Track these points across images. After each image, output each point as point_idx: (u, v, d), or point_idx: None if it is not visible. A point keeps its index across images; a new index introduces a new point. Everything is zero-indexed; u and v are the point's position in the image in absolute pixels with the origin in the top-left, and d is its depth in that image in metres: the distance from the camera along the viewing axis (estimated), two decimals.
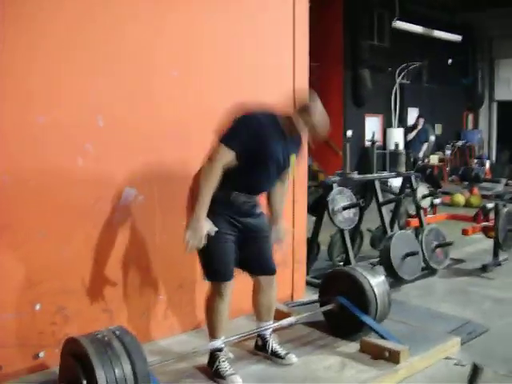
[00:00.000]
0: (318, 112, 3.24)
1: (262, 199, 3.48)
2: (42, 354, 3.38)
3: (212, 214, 3.16)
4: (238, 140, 3.13)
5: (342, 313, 3.81)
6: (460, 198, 10.74)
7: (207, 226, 3.12)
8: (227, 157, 3.11)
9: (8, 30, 3.15)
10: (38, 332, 3.38)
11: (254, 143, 3.14)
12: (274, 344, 3.57)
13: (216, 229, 3.15)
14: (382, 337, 3.66)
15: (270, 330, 3.61)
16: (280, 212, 3.58)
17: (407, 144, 12.88)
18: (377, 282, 3.88)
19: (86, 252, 3.53)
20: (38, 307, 3.36)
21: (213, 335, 3.33)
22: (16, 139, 3.22)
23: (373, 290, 3.81)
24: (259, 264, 3.46)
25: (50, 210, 3.37)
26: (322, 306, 4.01)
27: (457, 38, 14.98)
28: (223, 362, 3.29)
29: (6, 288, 3.24)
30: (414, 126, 13.00)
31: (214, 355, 3.33)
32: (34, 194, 3.30)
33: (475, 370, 1.58)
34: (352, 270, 4.01)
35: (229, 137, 3.12)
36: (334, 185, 5.37)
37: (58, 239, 3.41)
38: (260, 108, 3.27)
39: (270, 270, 3.48)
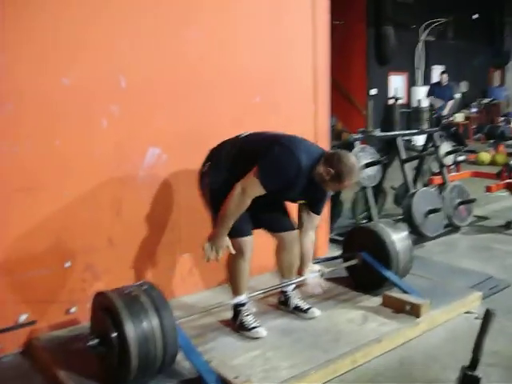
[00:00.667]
0: (348, 179, 3.17)
1: None
2: (73, 310, 3.51)
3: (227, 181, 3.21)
4: (275, 183, 3.11)
5: (365, 268, 3.87)
6: (485, 156, 10.64)
7: (227, 242, 3.22)
8: (259, 192, 3.10)
9: None
10: (68, 288, 3.49)
11: (283, 186, 3.16)
12: (296, 299, 3.65)
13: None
14: (404, 291, 3.71)
15: (293, 285, 3.68)
16: (309, 258, 3.60)
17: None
18: (399, 237, 3.92)
19: (112, 211, 3.62)
20: (67, 265, 3.47)
21: (236, 292, 3.39)
22: (40, 101, 3.27)
23: (395, 245, 3.85)
24: (279, 221, 3.50)
25: (77, 170, 3.45)
26: (345, 261, 4.07)
27: None
28: (247, 315, 3.37)
29: (37, 246, 3.35)
30: (438, 84, 12.81)
31: (237, 310, 3.41)
32: (60, 155, 3.37)
33: (487, 316, 1.63)
34: (374, 225, 4.04)
35: (267, 178, 3.07)
36: (356, 142, 5.37)
37: (85, 199, 3.49)
38: (305, 145, 3.23)
39: (290, 226, 3.52)
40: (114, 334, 2.65)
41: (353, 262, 3.94)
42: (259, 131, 3.39)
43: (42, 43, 3.26)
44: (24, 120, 3.23)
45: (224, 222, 3.15)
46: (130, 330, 2.61)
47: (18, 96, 3.18)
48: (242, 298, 3.37)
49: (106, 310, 2.73)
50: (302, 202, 3.45)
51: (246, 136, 3.37)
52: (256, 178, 3.07)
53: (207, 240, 3.22)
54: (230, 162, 3.28)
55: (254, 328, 3.32)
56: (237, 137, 3.39)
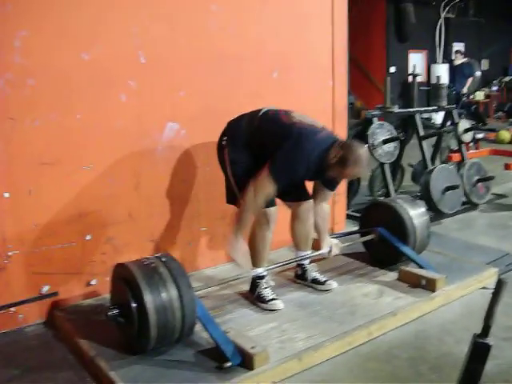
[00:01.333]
0: (357, 167, 3.18)
1: None
2: (94, 282, 3.58)
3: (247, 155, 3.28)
4: (286, 177, 3.14)
5: (382, 243, 3.90)
6: (505, 135, 10.54)
7: (244, 246, 3.27)
8: (271, 190, 3.14)
9: None
10: (89, 261, 3.56)
11: (295, 179, 3.21)
12: (313, 272, 3.69)
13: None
14: (420, 266, 3.74)
15: (309, 258, 3.72)
16: (324, 229, 3.64)
17: (452, 79, 12.60)
18: (416, 213, 3.93)
19: (132, 185, 3.67)
20: (88, 237, 3.53)
21: (255, 263, 3.42)
22: (61, 76, 3.31)
23: (413, 221, 3.86)
24: (294, 191, 3.49)
25: (96, 145, 3.49)
26: (362, 236, 4.10)
27: None
28: (265, 288, 3.42)
29: (58, 218, 3.41)
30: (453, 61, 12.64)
31: (255, 282, 3.45)
32: (80, 129, 3.42)
33: (499, 284, 1.65)
34: (392, 201, 4.06)
35: (280, 174, 3.10)
36: (374, 119, 5.37)
37: (105, 173, 3.54)
38: (320, 138, 3.21)
39: (305, 196, 3.54)
40: (134, 305, 2.70)
41: (370, 237, 3.97)
42: (277, 110, 3.38)
43: (62, 19, 3.28)
44: (45, 94, 3.27)
45: (241, 224, 3.20)
46: (149, 300, 2.66)
47: (39, 71, 3.23)
48: (261, 271, 3.41)
49: (125, 280, 2.78)
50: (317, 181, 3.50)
51: (264, 114, 3.36)
52: (268, 174, 3.10)
53: (228, 246, 3.26)
54: (247, 139, 3.31)
55: (271, 300, 3.37)
56: (254, 113, 3.39)
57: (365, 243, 4.10)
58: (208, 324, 2.86)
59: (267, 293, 3.40)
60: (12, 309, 3.30)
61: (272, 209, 3.33)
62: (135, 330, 2.75)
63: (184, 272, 2.85)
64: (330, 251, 3.67)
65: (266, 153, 3.19)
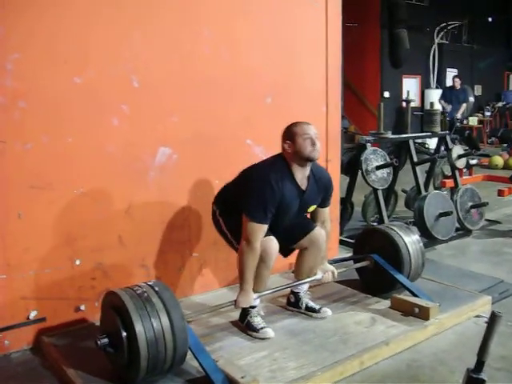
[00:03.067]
0: (308, 136, 3.21)
1: None
2: (83, 307, 3.53)
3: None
4: (267, 211, 3.12)
5: (376, 270, 3.87)
6: (498, 160, 10.60)
7: (254, 296, 3.27)
8: (262, 231, 3.13)
9: None
10: (78, 286, 3.51)
11: (275, 206, 3.16)
12: (307, 299, 3.65)
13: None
14: (414, 294, 3.70)
15: (306, 287, 3.68)
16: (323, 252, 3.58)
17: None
18: (411, 240, 3.91)
19: (123, 210, 3.63)
20: (77, 262, 3.48)
21: None
22: (53, 100, 3.30)
23: (407, 249, 3.84)
24: (299, 227, 3.48)
25: (88, 168, 3.47)
26: (355, 263, 4.06)
27: None
28: (255, 317, 3.37)
29: (48, 243, 3.37)
30: (451, 88, 12.73)
31: (246, 311, 3.39)
32: (71, 153, 3.39)
33: (493, 318, 1.62)
34: (386, 227, 4.03)
35: (257, 213, 3.11)
36: (368, 144, 5.37)
37: (96, 197, 3.51)
38: (268, 164, 3.29)
39: (310, 227, 3.50)
40: (124, 335, 2.66)
41: (364, 264, 3.94)
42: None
43: (55, 43, 3.28)
44: (37, 118, 3.26)
45: (245, 277, 3.19)
46: (141, 331, 2.61)
47: (31, 94, 3.21)
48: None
49: (116, 309, 2.73)
50: (313, 207, 3.46)
51: (235, 178, 3.43)
52: (246, 217, 3.12)
53: (236, 305, 3.24)
54: (234, 204, 3.30)
55: (262, 328, 3.32)
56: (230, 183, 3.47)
57: (358, 270, 4.06)
58: (199, 353, 2.81)
59: (258, 321, 3.36)
60: None
61: (269, 239, 3.26)
62: (125, 360, 2.70)
63: (177, 303, 2.79)
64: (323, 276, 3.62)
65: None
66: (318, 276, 3.60)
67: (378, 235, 4.02)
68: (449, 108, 12.04)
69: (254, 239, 3.12)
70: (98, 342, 2.75)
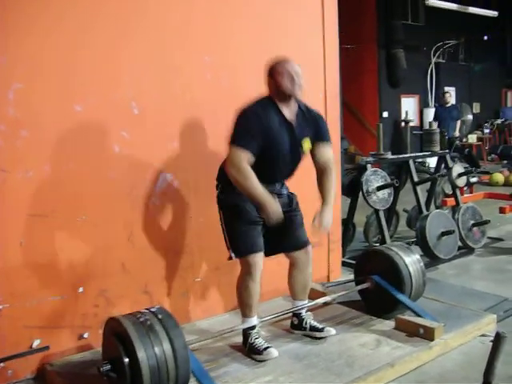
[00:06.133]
0: (286, 72, 3.21)
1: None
2: (86, 335, 3.51)
3: (240, 202, 3.23)
4: (251, 138, 3.11)
5: (378, 291, 3.86)
6: (499, 177, 10.61)
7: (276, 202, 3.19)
8: (246, 158, 3.08)
9: (41, 16, 3.26)
10: (81, 314, 3.50)
11: (261, 135, 3.14)
12: (310, 319, 3.63)
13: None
14: (417, 314, 3.68)
15: (306, 308, 3.66)
16: (327, 199, 3.39)
17: (439, 123, 12.63)
18: (411, 260, 3.90)
19: (125, 236, 3.63)
20: (80, 290, 3.48)
21: (245, 314, 3.38)
22: (54, 128, 3.32)
23: (407, 269, 3.83)
24: (290, 239, 3.47)
25: (89, 195, 3.47)
26: (357, 285, 4.05)
27: (493, 13, 14.56)
28: (256, 338, 3.36)
29: (50, 271, 3.37)
30: (442, 105, 12.57)
31: (247, 333, 3.39)
32: (74, 180, 3.41)
33: (498, 339, 1.62)
34: (387, 248, 4.03)
35: (241, 139, 3.11)
36: (368, 165, 5.38)
37: (98, 224, 3.51)
38: (254, 101, 3.28)
39: (302, 243, 3.49)
40: (127, 361, 2.64)
41: (365, 286, 3.93)
42: None
43: (56, 71, 3.31)
44: (38, 146, 3.27)
45: (256, 195, 3.09)
46: (143, 359, 2.59)
47: (32, 123, 3.23)
48: (251, 322, 3.36)
49: (118, 336, 2.72)
50: (306, 142, 3.37)
51: None
52: (233, 146, 3.10)
53: (271, 216, 3.13)
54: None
55: (265, 349, 3.30)
56: None
57: (360, 292, 4.05)
58: (203, 379, 2.79)
59: (260, 342, 3.34)
60: (1, 364, 3.21)
61: (253, 256, 3.27)
62: None
63: (180, 331, 2.76)
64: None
65: None
66: (320, 300, 3.61)
67: (377, 256, 4.01)
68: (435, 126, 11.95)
69: (237, 160, 3.07)
70: (101, 369, 2.73)
